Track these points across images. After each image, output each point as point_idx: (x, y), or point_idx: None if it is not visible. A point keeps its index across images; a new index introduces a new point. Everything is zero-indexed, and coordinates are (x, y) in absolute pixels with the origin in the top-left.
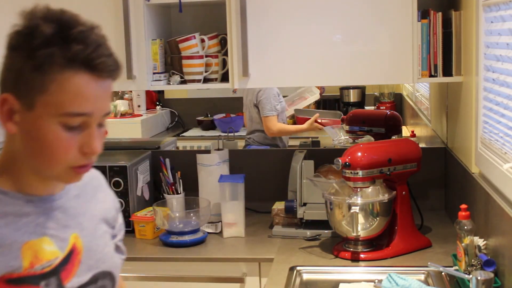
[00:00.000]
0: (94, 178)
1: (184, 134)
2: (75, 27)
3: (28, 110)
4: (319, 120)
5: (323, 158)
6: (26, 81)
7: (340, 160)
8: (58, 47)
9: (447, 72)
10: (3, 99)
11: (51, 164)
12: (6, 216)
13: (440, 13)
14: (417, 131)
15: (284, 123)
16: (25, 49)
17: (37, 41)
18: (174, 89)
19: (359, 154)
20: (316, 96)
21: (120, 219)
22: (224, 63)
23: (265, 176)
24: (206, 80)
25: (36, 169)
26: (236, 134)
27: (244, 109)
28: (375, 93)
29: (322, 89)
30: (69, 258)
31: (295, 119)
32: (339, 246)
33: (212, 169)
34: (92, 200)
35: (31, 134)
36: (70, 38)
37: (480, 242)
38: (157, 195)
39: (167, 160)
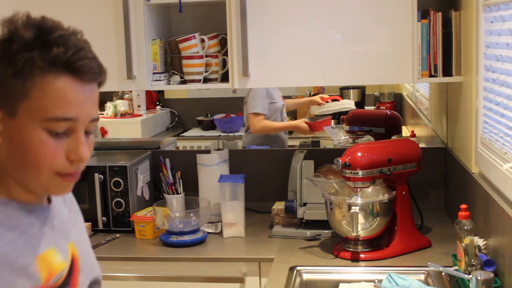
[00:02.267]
0: None
1: (184, 134)
2: (55, 31)
3: (10, 117)
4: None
5: (323, 158)
6: (7, 88)
7: (340, 160)
8: (38, 51)
9: (447, 72)
10: None
11: (37, 173)
12: (15, 229)
13: (440, 13)
14: (417, 131)
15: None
16: (5, 55)
17: (16, 46)
18: (174, 89)
19: (359, 154)
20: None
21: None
22: (224, 63)
23: (265, 176)
24: (206, 80)
25: (23, 181)
26: (236, 134)
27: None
28: (375, 93)
29: (322, 89)
30: (72, 268)
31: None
32: (339, 246)
33: (212, 169)
34: (75, 208)
35: (15, 142)
36: (50, 42)
37: (480, 242)
38: (157, 195)
39: (167, 160)
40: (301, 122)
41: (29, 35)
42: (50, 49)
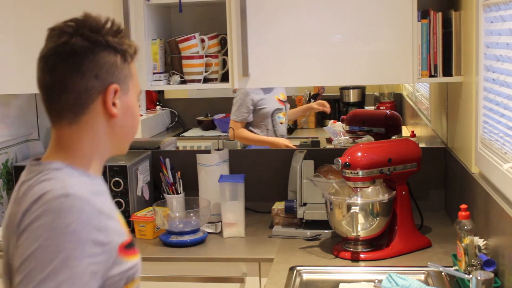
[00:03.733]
0: None
1: (184, 134)
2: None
3: (125, 94)
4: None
5: (323, 158)
6: (121, 71)
7: (340, 160)
8: (126, 44)
9: (447, 72)
10: (115, 89)
11: (134, 135)
12: (101, 194)
13: (440, 13)
14: (417, 131)
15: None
16: (113, 48)
17: (121, 38)
18: (174, 89)
19: (359, 154)
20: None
21: None
22: (224, 63)
23: (265, 176)
24: (206, 80)
25: (121, 146)
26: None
27: None
28: (375, 93)
29: (322, 89)
30: None
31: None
32: (339, 246)
33: (212, 169)
34: None
35: (128, 113)
36: (124, 35)
37: (480, 242)
38: (157, 195)
39: (167, 160)
40: (284, 141)
41: (122, 29)
42: (128, 42)
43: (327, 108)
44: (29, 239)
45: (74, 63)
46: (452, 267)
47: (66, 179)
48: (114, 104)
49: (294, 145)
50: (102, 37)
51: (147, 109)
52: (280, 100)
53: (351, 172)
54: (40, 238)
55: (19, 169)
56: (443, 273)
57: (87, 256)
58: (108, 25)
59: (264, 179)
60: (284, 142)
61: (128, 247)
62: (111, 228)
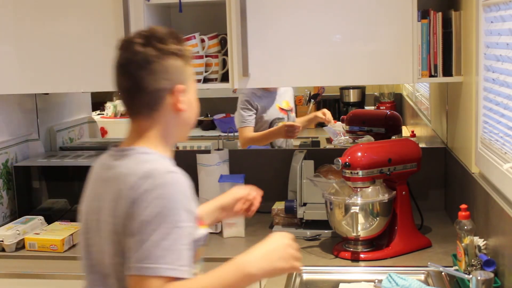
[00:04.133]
0: None
1: None
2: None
3: (188, 91)
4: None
5: (323, 158)
6: (185, 73)
7: (340, 160)
8: (185, 49)
9: (447, 72)
10: (181, 89)
11: (194, 124)
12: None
13: (440, 13)
14: (417, 131)
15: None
16: (175, 54)
17: (181, 46)
18: None
19: (359, 154)
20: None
21: None
22: (224, 63)
23: (265, 176)
24: (206, 80)
25: (183, 135)
26: (236, 134)
27: None
28: (375, 93)
29: (322, 89)
30: None
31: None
32: (339, 246)
33: (212, 169)
34: None
35: (191, 107)
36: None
37: (480, 242)
38: None
39: None
40: (283, 124)
41: (181, 39)
42: (187, 47)
43: (328, 118)
44: (144, 207)
45: (148, 69)
46: (452, 267)
47: (161, 160)
48: (180, 101)
49: (293, 123)
50: (168, 46)
51: None
52: (281, 109)
53: (351, 172)
54: (153, 207)
55: (19, 169)
56: (443, 273)
57: (186, 221)
58: (171, 35)
59: (264, 179)
60: (283, 124)
61: (198, 218)
62: (193, 198)
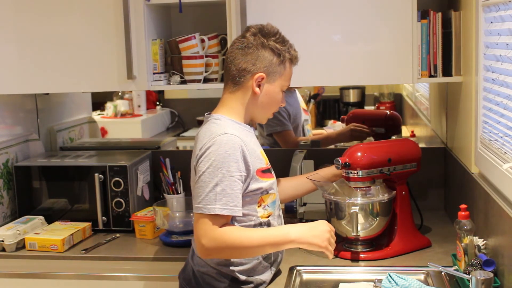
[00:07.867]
0: None
1: (184, 134)
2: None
3: (270, 83)
4: None
5: (323, 158)
6: (274, 69)
7: (340, 160)
8: (287, 52)
9: (446, 72)
10: (262, 77)
11: (271, 111)
12: (247, 135)
13: (440, 13)
14: (417, 131)
15: None
16: (276, 52)
17: (283, 47)
18: (174, 89)
19: (359, 154)
20: None
21: None
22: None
23: None
24: (206, 80)
25: (260, 116)
26: None
27: None
28: (375, 93)
29: (322, 89)
30: None
31: None
32: (339, 246)
33: None
34: None
35: (268, 96)
36: (288, 46)
37: (479, 242)
38: (157, 195)
39: (167, 160)
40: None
41: (286, 41)
42: (290, 51)
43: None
44: (203, 161)
45: (244, 51)
46: (451, 267)
47: (223, 124)
48: (259, 86)
49: (361, 127)
50: (268, 41)
51: (147, 109)
52: (304, 110)
53: (351, 172)
54: (210, 160)
55: (19, 169)
56: (442, 273)
57: (237, 171)
58: (277, 35)
59: None
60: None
61: (264, 172)
62: (252, 155)
